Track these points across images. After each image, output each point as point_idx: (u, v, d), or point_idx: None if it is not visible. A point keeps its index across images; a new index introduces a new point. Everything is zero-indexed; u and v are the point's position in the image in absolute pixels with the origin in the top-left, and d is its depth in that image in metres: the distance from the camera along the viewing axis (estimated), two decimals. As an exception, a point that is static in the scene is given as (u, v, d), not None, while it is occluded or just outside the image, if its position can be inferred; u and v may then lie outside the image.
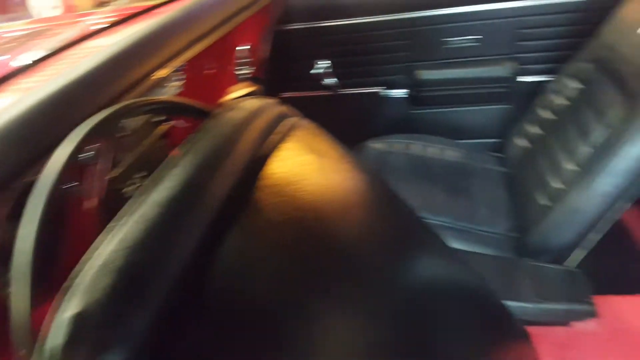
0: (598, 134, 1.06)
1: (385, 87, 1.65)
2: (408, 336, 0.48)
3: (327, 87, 1.62)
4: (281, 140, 0.50)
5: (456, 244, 1.13)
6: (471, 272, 0.71)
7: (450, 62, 1.55)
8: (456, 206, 1.26)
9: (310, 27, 1.54)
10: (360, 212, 0.54)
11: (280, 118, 0.53)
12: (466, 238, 1.16)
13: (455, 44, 1.52)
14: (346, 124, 1.74)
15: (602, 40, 1.20)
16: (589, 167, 1.03)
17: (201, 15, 0.88)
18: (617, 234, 1.44)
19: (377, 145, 1.50)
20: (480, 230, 1.20)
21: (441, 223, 1.20)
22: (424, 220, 1.16)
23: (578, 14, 1.40)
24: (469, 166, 1.42)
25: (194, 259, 0.35)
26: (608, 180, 0.99)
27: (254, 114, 0.49)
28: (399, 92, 1.65)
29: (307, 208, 0.46)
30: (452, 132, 1.65)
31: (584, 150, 1.08)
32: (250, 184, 0.43)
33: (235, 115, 0.47)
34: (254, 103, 0.51)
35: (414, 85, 1.60)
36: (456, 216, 1.23)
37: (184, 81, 0.91)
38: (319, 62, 1.57)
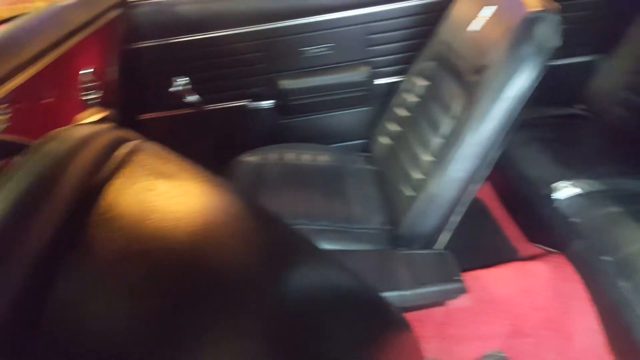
0: (446, 125, 1.15)
1: (251, 100, 1.64)
2: (287, 349, 0.46)
3: (191, 105, 1.57)
4: (118, 167, 0.45)
5: (336, 245, 1.16)
6: (346, 273, 0.72)
7: (310, 70, 1.59)
8: (333, 209, 1.29)
9: (163, 44, 1.48)
10: (219, 232, 0.51)
11: (117, 143, 0.48)
12: (345, 238, 1.19)
13: (313, 52, 1.56)
14: (216, 141, 1.70)
15: (440, 39, 1.31)
16: (442, 157, 1.12)
17: (23, 39, 0.78)
18: (474, 211, 1.61)
19: (251, 158, 1.48)
20: (357, 229, 1.24)
21: (320, 227, 1.22)
22: (302, 226, 1.18)
23: (419, 16, 1.52)
24: (341, 168, 1.47)
25: (13, 317, 0.30)
26: (459, 167, 1.08)
27: (82, 143, 0.44)
28: (267, 103, 1.65)
29: (155, 238, 0.42)
30: (323, 137, 1.70)
31: (436, 141, 1.17)
32: (80, 223, 0.38)
33: (56, 147, 0.42)
34: (81, 130, 0.46)
35: (279, 96, 1.62)
36: (334, 218, 1.25)
37: (10, 115, 0.80)
38: (177, 80, 1.51)
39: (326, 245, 1.14)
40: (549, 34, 0.96)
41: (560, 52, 1.61)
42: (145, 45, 1.48)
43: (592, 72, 1.57)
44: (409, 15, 1.52)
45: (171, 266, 0.42)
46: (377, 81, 1.64)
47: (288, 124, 1.70)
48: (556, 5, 0.99)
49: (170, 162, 0.54)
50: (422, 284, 0.99)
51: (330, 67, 1.60)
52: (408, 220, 1.18)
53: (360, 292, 0.71)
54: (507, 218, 1.49)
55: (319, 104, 1.64)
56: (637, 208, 1.11)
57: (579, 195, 1.17)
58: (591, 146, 1.41)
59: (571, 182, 1.20)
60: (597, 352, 1.03)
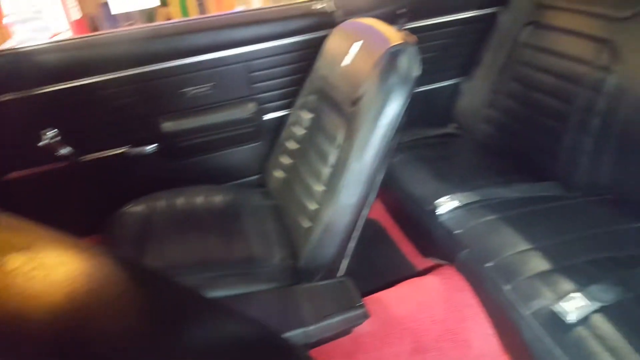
0: (332, 155, 1.19)
1: (132, 145, 1.56)
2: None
3: (63, 158, 1.44)
4: None
5: (236, 290, 1.12)
6: (244, 321, 0.70)
7: (194, 111, 1.56)
8: (231, 251, 1.26)
9: (27, 96, 1.36)
10: (87, 303, 0.47)
11: None
12: (245, 281, 1.16)
13: (195, 92, 1.53)
14: (96, 193, 1.58)
15: (318, 73, 1.37)
16: (332, 185, 1.15)
17: None
18: (370, 233, 1.67)
19: (136, 208, 1.39)
20: (258, 268, 1.22)
21: (217, 274, 1.17)
22: (196, 276, 1.13)
23: (298, 52, 1.57)
24: (237, 207, 1.44)
25: None
26: (349, 193, 1.11)
27: None
28: (150, 148, 1.58)
29: (11, 323, 0.38)
30: (216, 177, 1.66)
31: (325, 171, 1.20)
32: None
33: None
34: None
35: (163, 139, 1.56)
36: (233, 261, 1.22)
37: None
38: (47, 133, 1.39)
39: (225, 292, 1.10)
40: (410, 64, 1.05)
41: (430, 78, 1.77)
42: (7, 98, 1.35)
43: (458, 94, 1.73)
44: (289, 52, 1.56)
45: (36, 354, 0.38)
46: (267, 116, 1.66)
47: (176, 168, 1.64)
48: (414, 38, 1.08)
49: (23, 232, 0.49)
50: (326, 316, 0.99)
51: (215, 106, 1.58)
52: (308, 253, 1.18)
53: (260, 339, 0.69)
54: (402, 236, 1.56)
55: (207, 143, 1.61)
56: (510, 214, 1.22)
57: (458, 207, 1.27)
58: (466, 161, 1.54)
59: (449, 197, 1.29)
60: (494, 356, 1.09)
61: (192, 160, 1.65)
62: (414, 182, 1.44)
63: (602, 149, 1.25)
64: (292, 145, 1.44)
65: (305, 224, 1.22)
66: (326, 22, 1.52)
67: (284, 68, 1.59)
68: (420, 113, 1.78)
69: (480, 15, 1.65)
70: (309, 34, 1.54)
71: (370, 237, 1.63)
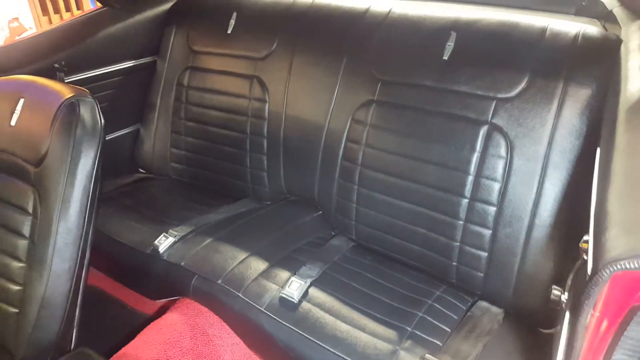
0: (25, 225, 1.07)
1: None
2: None
3: None
4: None
5: None
6: None
7: None
8: None
9: None
10: None
11: None
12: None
13: None
14: None
15: None
16: (37, 257, 1.04)
17: None
18: (93, 299, 1.54)
19: None
20: None
21: None
22: None
23: None
24: None
25: None
26: (61, 258, 1.03)
27: None
28: None
29: None
30: None
31: (21, 244, 1.07)
32: None
33: None
34: None
35: None
36: None
37: None
38: None
39: None
40: (92, 113, 1.06)
41: (109, 127, 1.75)
42: None
43: (140, 140, 1.78)
44: None
45: None
46: None
47: None
48: (85, 90, 1.09)
49: None
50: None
51: None
52: (25, 339, 1.04)
53: None
54: (123, 290, 1.51)
55: None
56: (222, 233, 1.37)
57: (176, 242, 1.33)
58: (167, 200, 1.61)
59: (164, 234, 1.34)
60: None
61: None
62: (125, 232, 1.42)
63: (274, 164, 1.54)
64: None
65: (11, 310, 1.06)
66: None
67: None
68: (105, 164, 1.74)
69: (141, 64, 1.75)
70: None
71: (92, 303, 1.51)
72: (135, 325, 1.37)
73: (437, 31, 1.26)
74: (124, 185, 1.69)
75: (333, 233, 1.45)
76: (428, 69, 1.25)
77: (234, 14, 1.60)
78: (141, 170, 1.82)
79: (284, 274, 1.23)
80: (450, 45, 1.23)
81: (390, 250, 1.34)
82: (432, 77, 1.24)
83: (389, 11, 1.39)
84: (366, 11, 1.42)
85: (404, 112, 1.27)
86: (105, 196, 1.59)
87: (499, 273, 1.17)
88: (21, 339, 1.04)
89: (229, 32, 1.59)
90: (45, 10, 3.80)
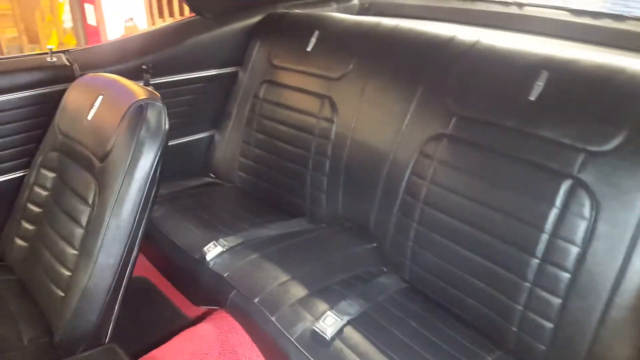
0: (84, 215, 1.11)
1: None
2: None
3: None
4: None
5: None
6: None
7: None
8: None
9: None
10: None
11: None
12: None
13: None
14: None
15: (59, 129, 1.27)
16: (87, 247, 1.08)
17: None
18: (140, 290, 1.59)
19: None
20: (4, 354, 1.04)
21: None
22: None
23: (33, 107, 1.42)
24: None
25: None
26: (107, 253, 1.06)
27: None
28: None
29: None
30: None
31: (78, 232, 1.11)
32: None
33: None
34: None
35: None
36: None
37: None
38: None
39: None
40: (158, 117, 1.08)
41: (184, 131, 1.82)
42: None
43: (213, 145, 1.82)
44: (21, 107, 1.41)
45: None
46: (3, 178, 1.44)
47: None
48: (157, 94, 1.12)
49: None
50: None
51: None
52: (64, 325, 1.07)
53: None
54: (172, 288, 1.53)
55: None
56: (269, 250, 1.34)
57: (224, 252, 1.33)
58: (226, 207, 1.62)
59: (214, 242, 1.34)
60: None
61: None
62: (180, 233, 1.45)
63: (334, 186, 1.49)
64: (35, 208, 1.29)
65: (59, 294, 1.11)
66: (64, 75, 1.44)
67: (18, 124, 1.42)
68: (178, 165, 1.81)
69: (223, 73, 1.80)
70: (45, 87, 1.42)
71: (139, 294, 1.56)
72: (175, 326, 1.38)
73: (527, 68, 1.14)
74: (191, 187, 1.74)
75: (385, 269, 1.36)
76: (511, 108, 1.13)
77: (316, 32, 1.59)
78: (211, 175, 1.86)
79: (321, 306, 1.16)
80: (539, 85, 1.10)
81: (444, 300, 1.22)
82: (514, 117, 1.12)
83: (476, 42, 1.28)
84: (451, 39, 1.33)
85: (478, 151, 1.16)
86: (171, 195, 1.64)
87: (565, 350, 1.01)
88: (61, 323, 1.08)
89: (308, 49, 1.58)
90: (161, 13, 4.13)
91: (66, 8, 4.07)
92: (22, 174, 1.45)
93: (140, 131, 1.07)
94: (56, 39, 4.03)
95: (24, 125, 1.43)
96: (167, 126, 1.10)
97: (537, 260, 1.04)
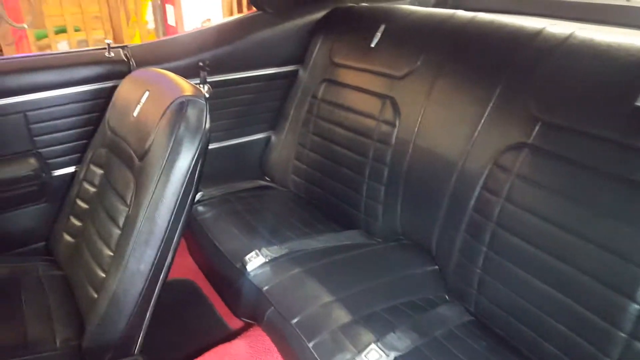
0: (122, 215, 1.06)
1: None
2: None
3: None
4: None
5: None
6: None
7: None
8: (3, 338, 1.03)
9: None
10: None
11: None
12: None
13: None
14: None
15: (109, 124, 1.23)
16: (120, 250, 1.02)
17: None
18: (186, 293, 1.54)
19: None
20: (35, 355, 1.01)
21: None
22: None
23: (88, 102, 1.41)
24: (14, 282, 1.21)
25: None
26: (137, 258, 0.99)
27: None
28: None
29: None
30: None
31: (115, 233, 1.06)
32: None
33: None
34: None
35: None
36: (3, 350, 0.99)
37: None
38: None
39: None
40: (199, 115, 0.99)
41: (240, 131, 1.75)
42: None
43: (269, 147, 1.74)
44: (78, 102, 1.40)
45: None
46: (57, 172, 1.44)
47: None
48: (202, 91, 1.04)
49: None
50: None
51: None
52: (93, 329, 1.02)
53: None
54: (216, 295, 1.46)
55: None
56: (314, 265, 1.22)
57: (266, 263, 1.22)
58: (276, 213, 1.52)
59: (255, 252, 1.24)
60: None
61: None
62: (224, 238, 1.36)
63: (392, 197, 1.34)
64: (82, 204, 1.26)
65: (93, 295, 1.06)
66: (120, 71, 1.41)
67: (73, 119, 1.41)
68: (233, 167, 1.74)
69: (283, 72, 1.70)
70: (102, 82, 1.40)
71: (185, 298, 1.50)
72: (214, 336, 1.31)
73: (632, 67, 0.92)
74: (243, 190, 1.66)
75: (447, 298, 1.18)
76: (611, 116, 0.91)
77: (382, 27, 1.44)
78: (266, 178, 1.78)
79: (365, 336, 1.01)
80: None
81: (516, 341, 1.03)
82: (615, 127, 0.90)
83: (570, 35, 1.07)
84: (539, 33, 1.12)
85: (567, 166, 0.96)
86: (223, 198, 1.57)
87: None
88: (89, 328, 1.03)
89: (372, 45, 1.44)
90: (240, 12, 4.18)
91: (150, 9, 4.24)
92: (75, 169, 1.45)
93: (179, 129, 0.98)
94: (139, 39, 4.21)
95: (79, 120, 1.42)
96: (208, 125, 1.01)
97: (638, 307, 0.82)
